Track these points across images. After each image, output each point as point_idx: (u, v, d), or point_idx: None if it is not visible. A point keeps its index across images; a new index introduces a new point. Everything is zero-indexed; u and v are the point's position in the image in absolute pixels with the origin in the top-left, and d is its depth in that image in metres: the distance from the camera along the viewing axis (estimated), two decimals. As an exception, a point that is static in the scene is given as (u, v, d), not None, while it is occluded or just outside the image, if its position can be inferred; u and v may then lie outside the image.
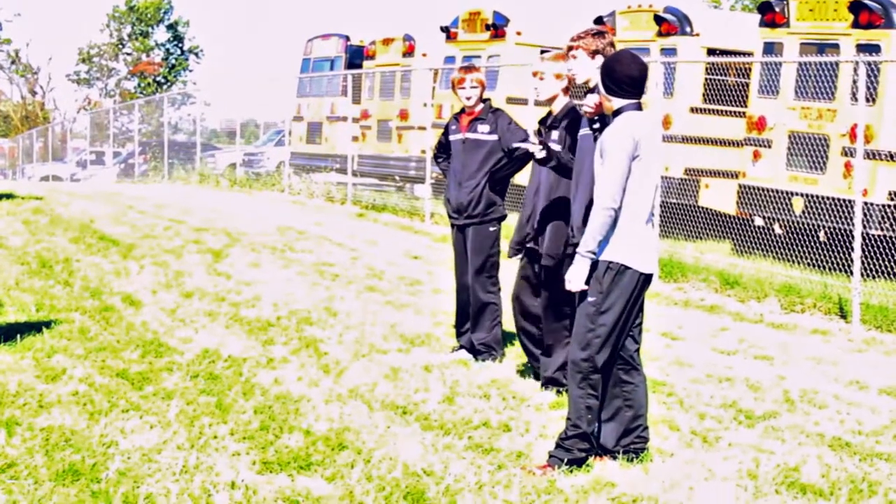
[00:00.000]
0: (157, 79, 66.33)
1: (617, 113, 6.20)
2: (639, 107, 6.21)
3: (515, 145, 8.12)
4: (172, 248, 14.19)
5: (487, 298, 8.99)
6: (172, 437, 6.48)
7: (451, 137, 9.19)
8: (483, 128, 8.98)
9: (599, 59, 6.66)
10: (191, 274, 12.25)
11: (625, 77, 6.15)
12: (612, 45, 6.98)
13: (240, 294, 11.27)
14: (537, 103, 16.70)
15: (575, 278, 6.17)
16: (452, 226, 9.20)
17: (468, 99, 9.02)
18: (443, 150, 9.34)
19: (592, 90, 6.63)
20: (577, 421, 6.23)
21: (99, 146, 45.60)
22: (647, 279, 6.26)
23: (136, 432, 6.54)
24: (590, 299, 6.17)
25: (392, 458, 6.30)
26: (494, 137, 8.93)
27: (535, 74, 7.90)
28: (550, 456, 6.31)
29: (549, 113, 7.85)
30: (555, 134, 7.63)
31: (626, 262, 6.13)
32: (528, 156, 7.87)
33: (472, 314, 9.04)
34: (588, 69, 6.74)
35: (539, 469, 6.25)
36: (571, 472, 6.17)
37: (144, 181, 30.65)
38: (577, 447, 6.26)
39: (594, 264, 6.15)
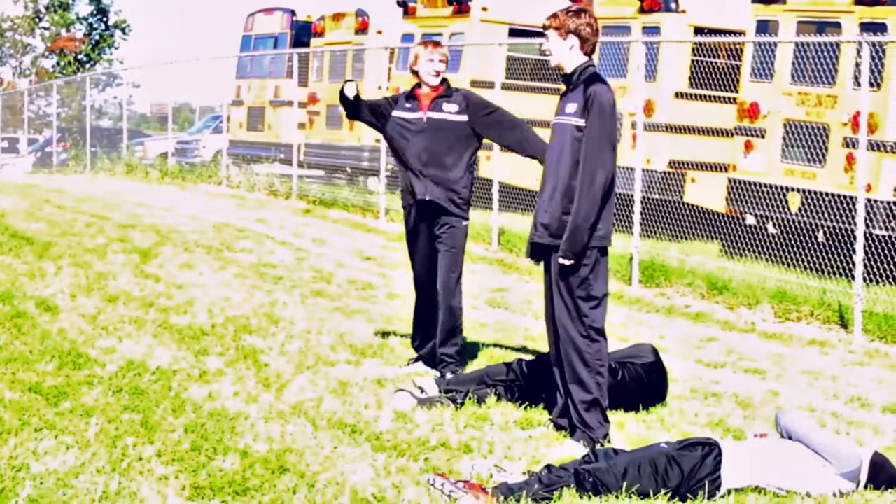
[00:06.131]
0: (79, 57, 65.75)
1: None
2: None
3: None
4: (94, 247, 14.12)
5: (456, 303, 8.92)
6: (91, 460, 6.44)
7: (403, 114, 9.01)
8: (450, 106, 8.87)
9: (573, 39, 7.08)
10: (115, 276, 12.19)
11: None
12: (591, 25, 7.19)
13: (170, 299, 11.23)
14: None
15: None
16: (411, 217, 9.01)
17: (436, 75, 8.94)
18: (373, 113, 9.14)
19: (567, 78, 7.28)
20: None
21: (12, 132, 45.27)
22: None
23: (51, 454, 6.50)
24: None
25: (339, 483, 6.30)
26: (464, 118, 8.85)
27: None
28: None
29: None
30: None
31: None
32: None
33: (441, 320, 8.93)
34: (560, 51, 7.32)
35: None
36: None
37: (63, 172, 30.47)
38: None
39: None
